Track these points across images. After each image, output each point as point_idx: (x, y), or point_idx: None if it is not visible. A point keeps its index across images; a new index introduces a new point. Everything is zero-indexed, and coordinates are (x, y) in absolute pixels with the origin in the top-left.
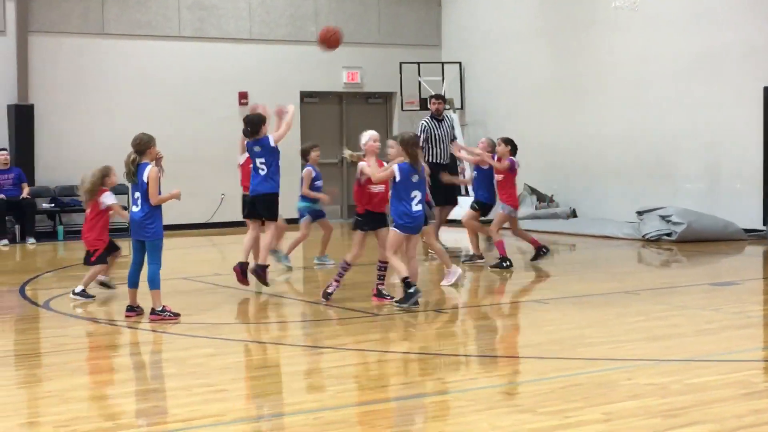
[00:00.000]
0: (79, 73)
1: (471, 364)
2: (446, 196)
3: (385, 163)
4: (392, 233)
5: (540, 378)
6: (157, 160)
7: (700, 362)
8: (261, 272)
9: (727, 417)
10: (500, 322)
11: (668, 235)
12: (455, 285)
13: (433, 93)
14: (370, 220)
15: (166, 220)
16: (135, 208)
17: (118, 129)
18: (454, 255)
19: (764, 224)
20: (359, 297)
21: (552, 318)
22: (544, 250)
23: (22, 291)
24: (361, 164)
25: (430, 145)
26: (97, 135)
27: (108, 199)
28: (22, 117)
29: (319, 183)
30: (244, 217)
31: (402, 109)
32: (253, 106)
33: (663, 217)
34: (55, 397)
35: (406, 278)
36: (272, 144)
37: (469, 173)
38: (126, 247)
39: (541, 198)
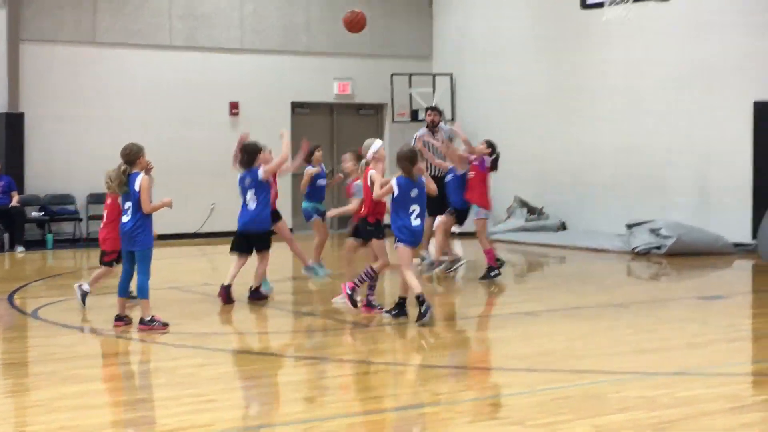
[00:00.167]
0: (71, 81)
1: (460, 376)
2: (439, 206)
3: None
4: (401, 249)
5: (529, 390)
6: (147, 170)
7: (689, 375)
8: (258, 296)
9: (716, 430)
10: (490, 334)
11: (658, 248)
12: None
13: (425, 105)
14: (382, 228)
15: (157, 229)
16: (125, 218)
17: (108, 138)
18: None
19: (753, 238)
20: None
21: (541, 330)
22: (496, 273)
23: (10, 299)
24: (371, 172)
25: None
26: (87, 144)
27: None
28: (13, 125)
29: (322, 182)
30: (232, 251)
31: (393, 121)
32: (243, 135)
33: (653, 231)
34: (43, 407)
35: (419, 295)
36: (260, 177)
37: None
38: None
39: (532, 210)
